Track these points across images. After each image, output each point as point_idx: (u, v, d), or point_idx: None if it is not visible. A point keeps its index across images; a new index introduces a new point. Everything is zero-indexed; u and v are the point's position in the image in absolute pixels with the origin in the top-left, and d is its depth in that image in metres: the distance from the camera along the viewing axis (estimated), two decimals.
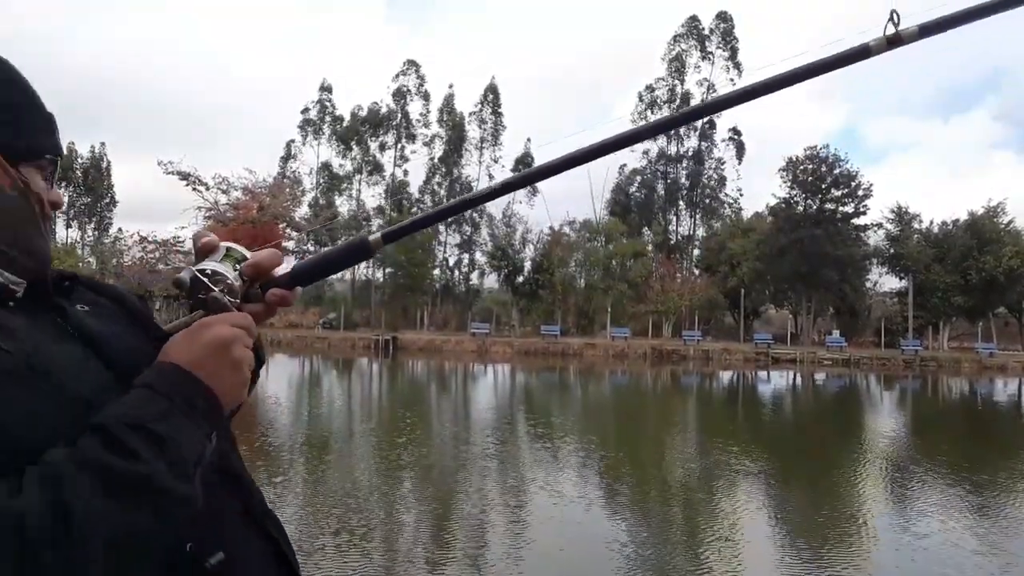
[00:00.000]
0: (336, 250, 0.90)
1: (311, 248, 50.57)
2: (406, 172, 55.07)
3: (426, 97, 54.79)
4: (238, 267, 0.83)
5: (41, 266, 0.80)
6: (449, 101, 54.74)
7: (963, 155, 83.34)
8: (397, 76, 54.60)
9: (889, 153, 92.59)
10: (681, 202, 54.72)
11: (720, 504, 8.19)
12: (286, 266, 0.89)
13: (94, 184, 53.79)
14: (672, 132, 53.66)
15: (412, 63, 54.98)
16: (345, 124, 54.63)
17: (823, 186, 41.98)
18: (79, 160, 55.11)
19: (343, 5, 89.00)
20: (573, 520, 7.26)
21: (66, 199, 54.38)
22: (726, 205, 54.48)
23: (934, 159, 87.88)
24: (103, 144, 55.97)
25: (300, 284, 0.89)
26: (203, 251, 0.84)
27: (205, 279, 0.80)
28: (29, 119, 0.81)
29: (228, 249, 0.84)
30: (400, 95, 54.53)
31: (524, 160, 55.41)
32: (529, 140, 56.00)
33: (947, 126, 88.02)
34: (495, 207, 53.21)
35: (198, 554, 0.75)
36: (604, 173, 54.96)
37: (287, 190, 44.59)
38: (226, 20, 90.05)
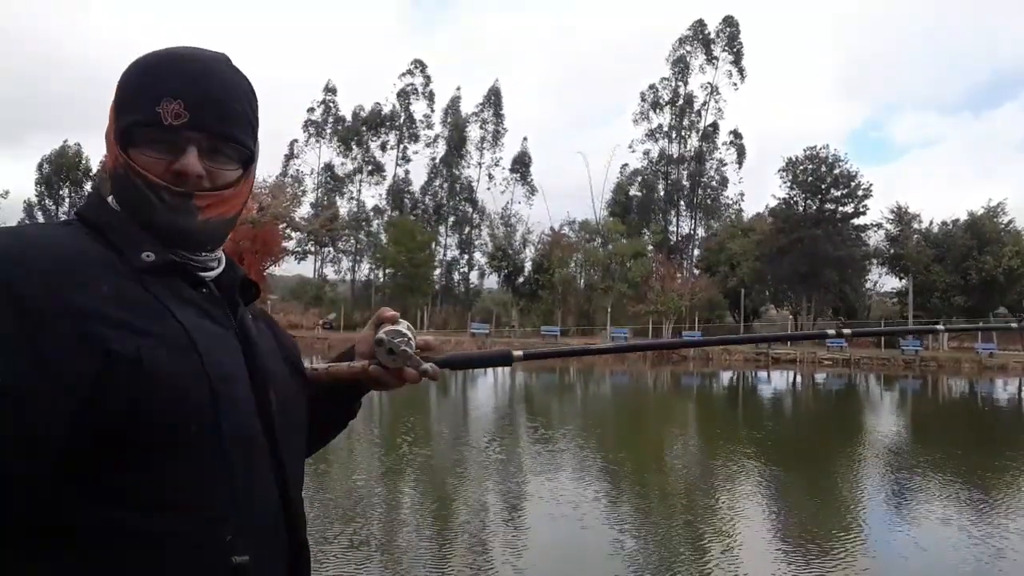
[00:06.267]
0: (484, 352, 1.16)
1: (312, 248, 50.76)
2: (407, 172, 55.16)
3: (430, 98, 54.88)
4: (413, 336, 1.05)
5: (172, 240, 0.87)
6: (455, 103, 54.82)
7: (991, 152, 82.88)
8: (402, 75, 54.73)
9: (911, 150, 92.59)
10: (682, 202, 54.79)
11: (722, 505, 8.24)
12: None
13: (101, 186, 53.79)
14: (675, 135, 53.86)
15: (418, 63, 55.09)
16: (347, 124, 54.68)
17: (823, 186, 42.00)
18: (87, 162, 55.10)
19: (349, 5, 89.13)
20: (575, 521, 7.31)
21: (68, 202, 54.50)
22: (727, 207, 54.59)
23: (958, 156, 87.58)
24: None
25: (452, 367, 1.12)
26: (388, 320, 1.06)
27: (398, 339, 1.03)
28: (123, 106, 0.87)
29: (407, 325, 1.07)
30: (404, 95, 54.61)
31: (521, 159, 55.53)
32: (526, 139, 56.14)
33: (978, 120, 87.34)
34: (495, 206, 53.31)
35: (229, 548, 0.79)
36: (605, 173, 55.10)
37: (288, 190, 44.70)
38: (228, 20, 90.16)
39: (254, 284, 1.00)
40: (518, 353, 1.10)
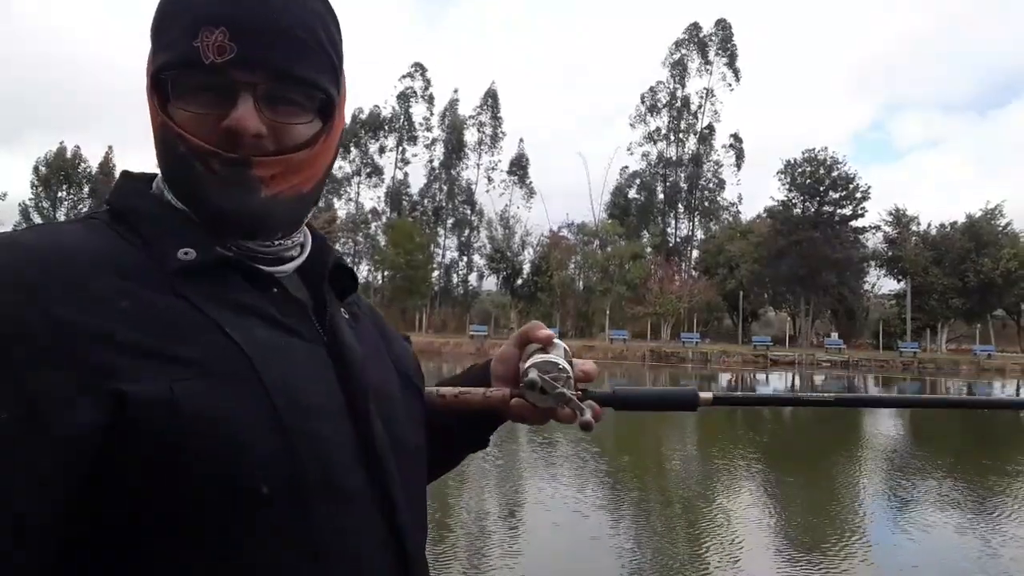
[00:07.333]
0: (662, 391, 0.87)
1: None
2: (406, 175, 55.25)
3: (430, 100, 55.00)
4: (571, 366, 0.80)
5: (227, 226, 0.64)
6: (453, 105, 54.93)
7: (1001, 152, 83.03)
8: (403, 78, 54.86)
9: (913, 151, 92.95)
10: (680, 205, 54.91)
11: (729, 511, 8.20)
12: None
13: (98, 187, 53.75)
14: (672, 137, 54.00)
15: (418, 65, 55.23)
16: (345, 126, 54.78)
17: (821, 188, 42.06)
18: (85, 164, 55.01)
19: (348, 6, 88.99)
20: (582, 530, 7.26)
21: (66, 206, 54.29)
22: (725, 209, 54.74)
23: (962, 156, 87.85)
24: (110, 147, 56.05)
25: (616, 407, 0.84)
26: (541, 342, 0.81)
27: (553, 374, 0.78)
28: (156, 44, 0.63)
29: (564, 349, 0.82)
30: (404, 97, 54.69)
31: (519, 162, 55.57)
32: (522, 141, 56.25)
33: (984, 120, 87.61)
34: (493, 208, 53.27)
35: None
36: (604, 175, 55.20)
37: None
38: None
39: (349, 271, 0.77)
40: (707, 395, 0.83)
